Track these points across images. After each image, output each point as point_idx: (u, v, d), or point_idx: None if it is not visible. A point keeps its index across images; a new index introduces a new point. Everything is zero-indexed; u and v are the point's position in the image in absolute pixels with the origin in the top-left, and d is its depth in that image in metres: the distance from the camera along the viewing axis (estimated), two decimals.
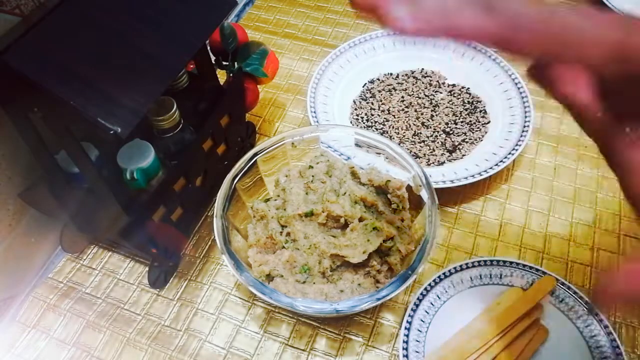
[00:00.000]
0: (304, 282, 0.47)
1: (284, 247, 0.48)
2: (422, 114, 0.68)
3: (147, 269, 0.56)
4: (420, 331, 0.49)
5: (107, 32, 0.41)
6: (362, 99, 0.71)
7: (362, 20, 0.85)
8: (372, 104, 0.70)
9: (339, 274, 0.48)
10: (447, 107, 0.69)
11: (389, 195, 0.50)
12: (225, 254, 0.45)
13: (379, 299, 0.42)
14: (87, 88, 0.38)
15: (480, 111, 0.68)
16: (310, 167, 0.52)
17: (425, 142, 0.65)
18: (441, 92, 0.71)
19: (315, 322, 0.52)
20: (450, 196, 0.61)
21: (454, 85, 0.72)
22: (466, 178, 0.58)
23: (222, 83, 0.60)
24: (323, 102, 0.68)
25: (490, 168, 0.59)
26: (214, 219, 0.47)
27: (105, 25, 0.41)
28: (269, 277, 0.48)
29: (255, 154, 0.52)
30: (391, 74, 0.73)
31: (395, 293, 0.43)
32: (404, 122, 0.67)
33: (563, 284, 0.50)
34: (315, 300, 0.45)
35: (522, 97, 0.66)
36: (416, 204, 0.50)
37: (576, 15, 0.28)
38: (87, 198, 0.48)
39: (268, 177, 0.55)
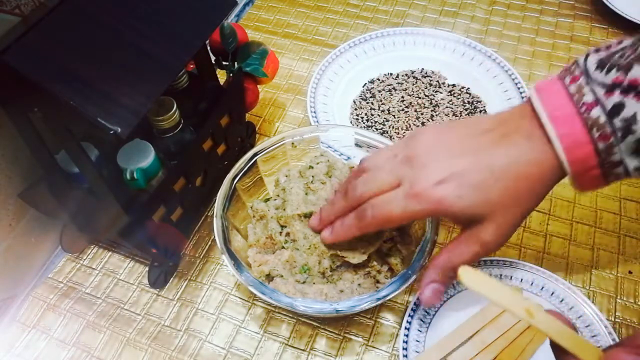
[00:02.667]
0: (304, 282, 0.47)
1: (283, 247, 0.48)
2: (422, 114, 0.68)
3: (147, 269, 0.56)
4: (420, 331, 0.49)
5: (107, 32, 0.41)
6: (362, 99, 0.71)
7: (362, 20, 0.85)
8: (372, 104, 0.70)
9: (339, 274, 0.48)
10: (447, 107, 0.69)
11: None
12: (225, 254, 0.45)
13: (379, 299, 0.42)
14: (87, 88, 0.38)
15: (480, 111, 0.68)
16: (310, 167, 0.52)
17: None
18: (441, 92, 0.71)
19: (315, 322, 0.52)
20: None
21: (454, 85, 0.72)
22: None
23: (222, 83, 0.60)
24: (323, 102, 0.68)
25: None
26: (214, 218, 0.47)
27: (105, 25, 0.41)
28: (269, 277, 0.47)
29: (255, 154, 0.52)
30: (391, 74, 0.74)
31: (395, 293, 0.43)
32: (404, 122, 0.67)
33: (563, 283, 0.50)
34: (315, 300, 0.45)
35: (522, 97, 0.66)
36: None
37: None
38: (87, 198, 0.48)
39: (268, 177, 0.55)
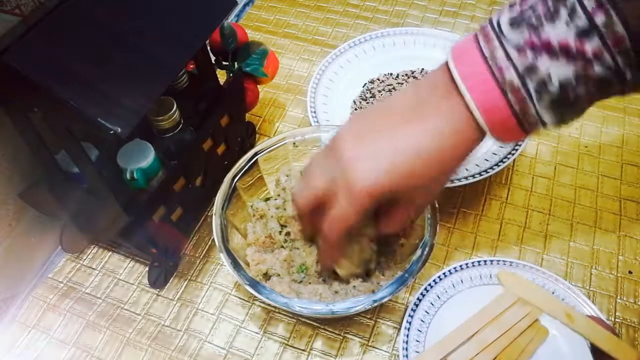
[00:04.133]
0: (300, 281, 0.47)
1: (282, 247, 0.48)
2: None
3: (147, 269, 0.56)
4: (420, 331, 0.49)
5: (107, 32, 0.41)
6: (362, 99, 0.71)
7: (362, 20, 0.85)
8: (372, 104, 0.70)
9: (336, 274, 0.48)
10: None
11: None
12: (222, 252, 0.45)
13: (375, 301, 0.42)
14: (87, 88, 0.38)
15: None
16: None
17: None
18: None
19: (315, 322, 0.52)
20: (450, 196, 0.61)
21: None
22: (466, 178, 0.58)
23: (222, 83, 0.60)
24: (323, 102, 0.68)
25: (491, 168, 0.59)
26: (213, 217, 0.47)
27: (105, 25, 0.41)
28: (266, 276, 0.47)
29: (256, 153, 0.52)
30: (391, 74, 0.73)
31: (391, 296, 0.43)
32: None
33: (563, 283, 0.50)
34: (311, 301, 0.45)
35: None
36: None
37: None
38: (87, 198, 0.48)
39: (269, 176, 0.55)
